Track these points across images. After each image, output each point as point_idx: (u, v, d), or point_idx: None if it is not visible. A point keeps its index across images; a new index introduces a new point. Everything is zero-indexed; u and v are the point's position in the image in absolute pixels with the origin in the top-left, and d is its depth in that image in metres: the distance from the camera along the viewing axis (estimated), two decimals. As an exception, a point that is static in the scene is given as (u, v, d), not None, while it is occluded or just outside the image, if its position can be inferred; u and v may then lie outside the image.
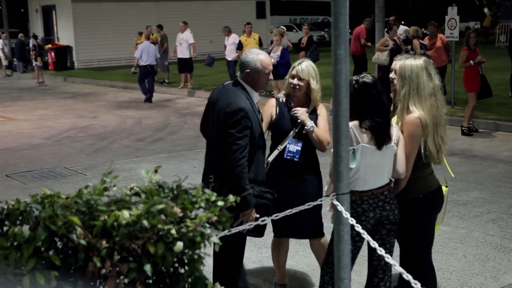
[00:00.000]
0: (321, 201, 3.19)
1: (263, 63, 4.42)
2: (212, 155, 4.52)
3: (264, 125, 4.77)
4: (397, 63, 4.41)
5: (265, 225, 4.31)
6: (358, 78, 4.07)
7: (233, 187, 4.11)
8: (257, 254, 6.10)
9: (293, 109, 4.76)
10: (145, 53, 17.38)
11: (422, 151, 4.11)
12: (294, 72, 4.79)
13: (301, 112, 4.70)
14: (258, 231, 4.43)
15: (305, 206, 3.23)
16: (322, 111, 4.87)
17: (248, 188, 4.24)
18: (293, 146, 4.79)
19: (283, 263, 5.22)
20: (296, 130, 4.78)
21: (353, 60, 15.97)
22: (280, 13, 40.60)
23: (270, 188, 4.50)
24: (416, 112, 4.06)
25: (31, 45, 25.15)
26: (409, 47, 14.03)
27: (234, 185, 4.18)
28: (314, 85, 4.79)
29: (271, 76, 4.54)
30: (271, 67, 4.49)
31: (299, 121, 4.72)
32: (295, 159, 4.77)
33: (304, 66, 4.80)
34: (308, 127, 4.67)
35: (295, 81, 4.77)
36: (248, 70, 4.42)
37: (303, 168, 4.83)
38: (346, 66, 2.98)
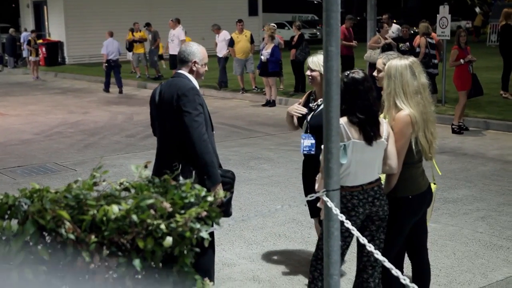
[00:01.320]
0: (311, 197, 3.18)
1: (203, 53, 4.67)
2: (172, 146, 4.55)
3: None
4: (380, 61, 4.52)
5: (230, 204, 4.48)
6: (349, 73, 4.13)
7: (200, 164, 4.32)
8: (247, 250, 6.11)
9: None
10: (111, 47, 18.89)
11: (414, 147, 4.15)
12: (307, 64, 5.04)
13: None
14: (225, 211, 4.44)
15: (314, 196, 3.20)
16: None
17: (215, 162, 4.40)
18: (307, 141, 4.97)
19: None
20: (308, 124, 4.95)
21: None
22: (272, 11, 40.59)
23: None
24: (406, 110, 4.11)
25: (26, 40, 25.09)
26: (406, 44, 14.01)
27: (200, 161, 4.33)
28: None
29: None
30: (206, 59, 4.70)
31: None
32: (312, 152, 4.93)
33: (315, 57, 5.00)
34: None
35: (308, 72, 5.02)
36: (195, 60, 4.60)
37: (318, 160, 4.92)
38: (337, 62, 2.99)
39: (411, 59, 4.28)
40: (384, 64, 4.54)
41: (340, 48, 3.03)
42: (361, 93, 4.05)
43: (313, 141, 4.92)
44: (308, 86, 17.11)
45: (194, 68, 4.61)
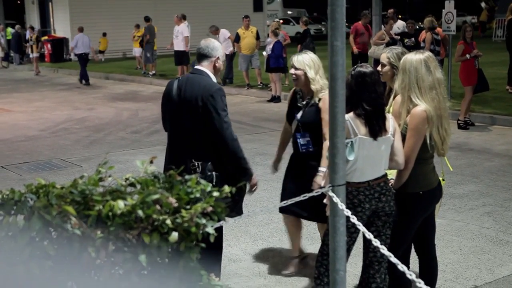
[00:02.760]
0: (317, 192, 3.18)
1: (223, 49, 4.74)
2: (189, 143, 4.50)
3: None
4: (385, 56, 4.55)
5: (241, 202, 4.58)
6: (356, 66, 4.13)
7: (234, 162, 4.45)
8: (252, 245, 6.11)
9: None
10: (80, 43, 20.67)
11: (428, 141, 4.13)
12: (291, 62, 4.99)
13: (317, 186, 4.70)
14: (238, 210, 4.50)
15: (313, 193, 3.21)
16: (326, 104, 4.82)
17: (247, 159, 4.56)
18: (303, 139, 5.00)
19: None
20: (298, 123, 4.93)
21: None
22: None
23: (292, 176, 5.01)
24: (422, 105, 4.08)
25: (27, 37, 25.27)
26: (411, 39, 13.96)
27: (235, 160, 4.44)
28: (312, 74, 4.87)
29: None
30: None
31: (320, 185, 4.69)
32: (310, 149, 4.97)
33: (300, 56, 4.96)
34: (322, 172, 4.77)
35: (292, 70, 4.97)
36: (218, 56, 4.58)
37: (318, 156, 4.92)
38: (342, 57, 2.97)
39: (427, 54, 4.26)
40: (389, 59, 4.55)
41: (344, 43, 3.02)
42: (369, 85, 4.05)
43: (309, 138, 4.94)
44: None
45: (217, 65, 4.57)
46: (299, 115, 4.97)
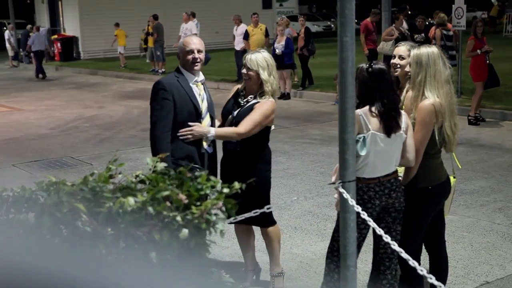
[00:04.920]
0: (330, 184, 3.17)
1: (184, 42, 4.76)
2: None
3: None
4: (404, 48, 4.44)
5: None
6: (371, 63, 4.07)
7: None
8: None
9: (187, 130, 4.69)
10: (37, 40, 22.92)
11: (437, 137, 4.10)
12: (244, 61, 4.84)
13: (195, 131, 4.65)
14: None
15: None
16: (262, 106, 4.76)
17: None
18: None
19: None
20: (234, 120, 4.84)
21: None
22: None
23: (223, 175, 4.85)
24: (430, 99, 4.05)
25: (44, 35, 25.62)
26: (421, 35, 13.89)
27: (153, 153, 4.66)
28: (265, 76, 4.75)
29: (196, 55, 4.68)
30: (192, 46, 4.69)
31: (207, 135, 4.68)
32: (238, 149, 4.87)
33: (254, 56, 4.78)
34: (210, 136, 4.68)
35: (244, 71, 4.81)
36: (177, 52, 4.83)
37: (244, 156, 4.88)
38: (352, 53, 2.97)
39: (437, 47, 4.24)
40: (409, 51, 4.44)
41: (353, 39, 3.01)
42: (388, 82, 4.03)
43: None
44: (318, 78, 17.04)
45: (180, 60, 4.78)
46: (235, 112, 4.84)
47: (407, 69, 4.32)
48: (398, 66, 4.47)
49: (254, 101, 4.80)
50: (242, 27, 17.86)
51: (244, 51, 17.95)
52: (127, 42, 24.76)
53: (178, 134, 4.66)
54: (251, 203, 4.25)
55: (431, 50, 4.15)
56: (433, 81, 4.07)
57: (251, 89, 4.86)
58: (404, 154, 4.09)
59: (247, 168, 4.83)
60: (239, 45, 17.80)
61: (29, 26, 27.99)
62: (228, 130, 4.77)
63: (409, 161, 4.11)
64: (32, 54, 23.40)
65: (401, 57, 4.48)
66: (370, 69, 4.02)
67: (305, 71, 16.32)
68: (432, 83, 4.07)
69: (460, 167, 4.94)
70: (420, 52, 4.13)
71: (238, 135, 4.71)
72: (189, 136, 4.65)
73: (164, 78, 4.81)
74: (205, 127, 4.68)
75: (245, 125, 4.68)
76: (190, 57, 4.67)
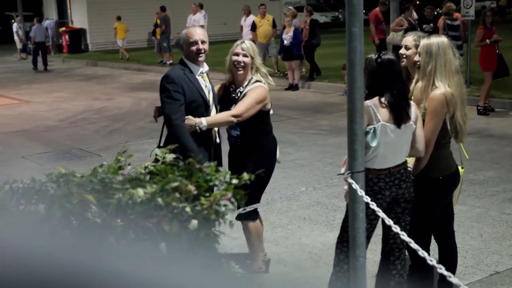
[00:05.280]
0: (339, 175, 3.17)
1: (188, 33, 4.70)
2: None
3: None
4: (411, 38, 4.43)
5: None
6: (380, 54, 4.05)
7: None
8: (271, 233, 6.12)
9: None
10: (37, 32, 23.27)
11: (449, 127, 4.09)
12: (238, 49, 4.78)
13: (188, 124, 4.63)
14: None
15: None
16: (254, 91, 4.74)
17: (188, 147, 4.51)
18: (234, 131, 4.90)
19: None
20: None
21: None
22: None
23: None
24: (441, 88, 4.03)
25: (51, 28, 25.92)
26: (430, 25, 13.82)
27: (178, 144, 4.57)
28: (259, 62, 4.83)
29: (200, 46, 4.65)
30: (196, 37, 4.65)
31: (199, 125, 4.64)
32: (238, 143, 4.89)
33: (247, 43, 4.85)
34: (202, 127, 4.63)
35: (240, 57, 4.75)
36: (181, 44, 4.78)
37: (246, 149, 4.88)
38: (361, 43, 2.96)
39: (446, 37, 4.22)
40: (415, 41, 4.43)
41: (362, 29, 3.00)
42: (397, 72, 4.02)
43: (238, 133, 4.85)
44: (326, 69, 17.00)
45: (184, 52, 4.73)
46: (233, 107, 4.78)
47: (416, 58, 4.29)
48: (404, 56, 4.46)
49: (248, 88, 4.77)
50: (251, 18, 17.78)
51: (252, 42, 17.90)
52: (132, 34, 24.81)
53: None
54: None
55: (441, 39, 4.13)
56: (443, 70, 4.05)
57: (242, 79, 4.81)
58: (414, 144, 4.08)
59: (250, 160, 4.81)
60: (247, 36, 17.74)
61: (36, 19, 28.08)
62: (220, 115, 4.73)
63: (419, 151, 4.10)
64: (32, 46, 23.93)
65: (407, 47, 4.47)
66: (379, 59, 4.00)
67: (311, 63, 16.24)
68: (443, 73, 4.05)
69: (467, 157, 4.92)
70: (430, 42, 4.11)
71: (232, 118, 4.65)
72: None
73: (171, 71, 4.76)
74: (195, 118, 4.61)
75: (238, 108, 4.68)
76: (194, 48, 4.64)
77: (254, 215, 4.93)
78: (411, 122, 4.01)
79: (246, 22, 17.91)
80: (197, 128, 4.61)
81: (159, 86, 4.72)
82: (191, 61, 4.70)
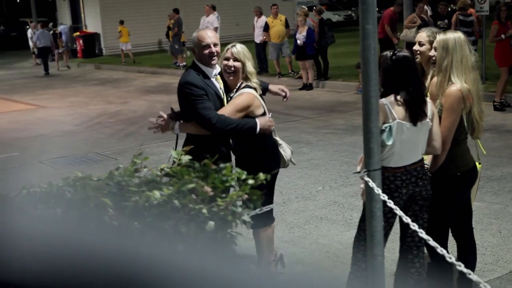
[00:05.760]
0: (355, 173, 3.16)
1: (199, 36, 4.59)
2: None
3: None
4: (424, 34, 4.40)
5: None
6: (395, 51, 4.02)
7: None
8: (289, 233, 6.11)
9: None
10: (41, 38, 23.35)
11: (466, 123, 4.07)
12: (228, 54, 4.64)
13: (158, 129, 4.67)
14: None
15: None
16: (237, 98, 4.64)
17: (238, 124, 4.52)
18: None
19: None
20: None
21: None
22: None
23: None
24: (457, 84, 4.00)
25: (65, 32, 26.32)
26: (444, 21, 13.74)
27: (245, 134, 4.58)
28: (251, 68, 4.67)
29: (213, 50, 4.55)
30: (208, 40, 4.55)
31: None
32: (232, 146, 4.81)
33: (238, 46, 4.69)
34: (175, 131, 4.63)
35: (231, 62, 4.62)
36: (192, 47, 4.67)
37: (242, 155, 4.82)
38: (374, 41, 2.95)
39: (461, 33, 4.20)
40: (429, 37, 4.41)
41: (375, 26, 2.99)
42: (413, 69, 3.99)
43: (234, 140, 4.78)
44: (340, 68, 16.96)
45: (196, 56, 4.62)
46: None
47: (431, 53, 4.25)
48: (418, 52, 4.43)
49: (237, 94, 4.67)
50: (263, 19, 17.76)
51: (264, 43, 17.89)
52: (145, 37, 24.90)
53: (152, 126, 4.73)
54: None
55: (458, 35, 4.10)
56: (459, 66, 4.02)
57: (232, 83, 4.70)
58: (430, 142, 4.05)
59: (248, 165, 4.73)
60: (258, 37, 17.74)
61: (51, 24, 28.27)
62: (193, 127, 4.60)
63: (435, 149, 4.07)
64: (36, 51, 24.18)
65: (421, 44, 4.45)
66: (394, 57, 3.98)
67: (324, 62, 16.15)
68: (459, 68, 4.02)
69: (484, 152, 4.88)
70: (446, 37, 4.08)
71: (205, 131, 4.54)
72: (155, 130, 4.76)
73: (189, 77, 4.56)
74: (171, 123, 4.62)
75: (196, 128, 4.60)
76: (207, 51, 4.53)
77: (266, 221, 4.85)
78: (427, 120, 3.98)
79: (258, 23, 17.88)
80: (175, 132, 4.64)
81: (181, 94, 4.57)
82: (205, 65, 4.60)
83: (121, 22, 24.84)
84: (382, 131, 3.83)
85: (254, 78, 4.70)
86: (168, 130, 4.65)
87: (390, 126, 3.88)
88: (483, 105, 4.21)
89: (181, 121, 4.64)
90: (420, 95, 3.98)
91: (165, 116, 4.67)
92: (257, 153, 4.74)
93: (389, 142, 3.88)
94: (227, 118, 4.46)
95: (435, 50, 4.15)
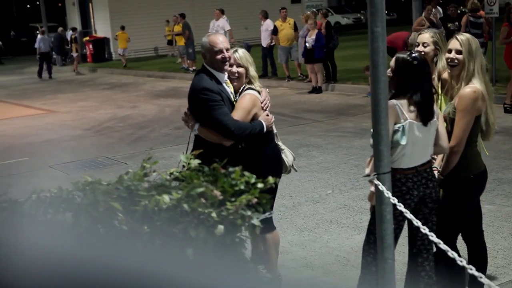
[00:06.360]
0: (364, 177, 3.15)
1: (211, 42, 4.54)
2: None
3: None
4: (428, 36, 4.44)
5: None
6: (414, 54, 4.00)
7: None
8: (299, 237, 6.10)
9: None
10: (42, 43, 24.44)
11: (482, 125, 4.06)
12: (231, 60, 4.64)
13: (185, 121, 4.64)
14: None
15: None
16: (241, 100, 4.64)
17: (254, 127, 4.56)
18: None
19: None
20: None
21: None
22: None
23: None
24: (471, 86, 3.99)
25: (69, 38, 26.37)
26: (455, 23, 13.71)
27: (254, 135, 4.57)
28: (253, 73, 4.71)
29: (226, 55, 4.54)
30: (220, 45, 4.52)
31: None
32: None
33: (241, 52, 4.71)
34: (194, 131, 4.59)
35: (234, 68, 4.63)
36: (203, 52, 4.60)
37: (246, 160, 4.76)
38: (383, 44, 2.94)
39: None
40: (432, 38, 4.44)
41: (384, 29, 2.98)
42: (428, 72, 4.01)
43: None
44: (349, 71, 16.93)
45: (207, 61, 4.57)
46: None
47: (448, 55, 4.23)
48: (423, 53, 4.45)
49: (240, 96, 4.68)
50: (267, 23, 17.79)
51: (271, 47, 17.89)
52: (157, 41, 24.98)
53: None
54: None
55: (473, 38, 4.11)
56: (480, 71, 4.03)
57: (236, 89, 4.70)
58: (437, 141, 4.05)
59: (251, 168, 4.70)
60: (265, 40, 17.76)
61: (60, 29, 28.41)
62: (208, 133, 4.59)
63: (443, 148, 4.07)
64: (38, 56, 24.72)
65: (425, 44, 4.48)
66: (415, 60, 3.96)
67: (332, 65, 16.14)
68: (479, 72, 4.03)
69: (487, 153, 4.85)
70: (468, 40, 4.07)
71: (222, 141, 4.55)
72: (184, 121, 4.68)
73: (205, 83, 4.52)
74: (193, 121, 4.59)
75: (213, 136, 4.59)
76: (219, 56, 4.51)
77: (272, 225, 4.85)
78: (435, 119, 4.00)
79: (263, 26, 17.92)
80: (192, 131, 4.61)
81: (196, 100, 4.54)
82: (216, 70, 4.57)
83: (122, 28, 25.41)
84: (396, 131, 3.84)
85: (256, 82, 4.73)
86: (188, 125, 4.63)
87: (403, 126, 3.88)
88: (494, 108, 4.20)
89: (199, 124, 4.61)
90: (431, 96, 3.98)
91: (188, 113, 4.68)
92: (259, 161, 4.67)
93: (403, 142, 3.87)
94: (242, 123, 4.49)
95: (458, 53, 4.10)
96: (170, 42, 25.57)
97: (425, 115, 3.95)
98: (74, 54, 25.96)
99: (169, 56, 27.15)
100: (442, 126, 4.06)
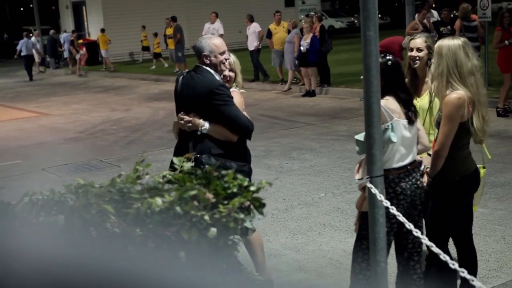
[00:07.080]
0: (357, 182, 3.16)
1: (215, 44, 4.60)
2: (189, 137, 4.66)
3: None
4: (421, 40, 4.55)
5: None
6: (388, 57, 4.09)
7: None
8: (292, 240, 6.10)
9: (181, 120, 4.65)
10: (24, 46, 24.60)
11: (470, 128, 4.09)
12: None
13: (191, 124, 4.58)
14: None
15: None
16: (235, 98, 4.66)
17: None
18: None
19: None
20: None
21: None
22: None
23: None
24: (458, 91, 4.02)
25: (68, 40, 26.52)
26: (447, 27, 13.75)
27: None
28: (240, 77, 4.94)
29: (228, 57, 4.64)
30: (223, 47, 4.60)
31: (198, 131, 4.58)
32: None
33: (233, 58, 4.88)
34: (203, 130, 4.55)
35: (226, 72, 4.74)
36: (205, 54, 4.57)
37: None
38: (376, 47, 2.95)
39: (463, 39, 4.20)
40: (426, 43, 4.52)
41: (377, 33, 2.99)
42: (402, 73, 4.22)
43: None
44: (342, 75, 16.96)
45: (207, 61, 4.57)
46: None
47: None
48: (417, 58, 4.55)
49: None
50: (254, 26, 17.93)
51: (258, 50, 17.88)
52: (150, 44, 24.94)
53: (179, 118, 4.66)
54: None
55: (453, 42, 4.13)
56: (456, 72, 4.05)
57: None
58: (419, 139, 4.21)
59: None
60: (251, 44, 17.82)
61: (52, 32, 28.39)
62: (220, 129, 4.58)
63: (425, 146, 4.25)
64: (16, 57, 25.55)
65: (419, 49, 4.57)
66: (389, 62, 4.06)
67: (322, 69, 16.14)
68: (456, 75, 4.05)
69: (489, 157, 4.87)
70: (441, 44, 4.15)
71: (232, 136, 4.57)
72: (189, 125, 4.59)
73: (217, 80, 4.55)
74: (200, 120, 4.56)
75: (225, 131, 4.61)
76: (223, 58, 4.57)
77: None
78: (418, 119, 4.21)
79: (250, 30, 18.01)
80: (199, 130, 4.57)
81: (211, 96, 4.46)
82: (216, 71, 4.59)
83: (102, 31, 25.81)
84: (385, 130, 3.90)
85: (241, 88, 4.93)
86: (196, 127, 4.57)
87: (391, 124, 3.98)
88: (485, 111, 4.19)
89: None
90: (411, 95, 4.20)
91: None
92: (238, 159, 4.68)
93: (395, 139, 3.97)
94: (249, 119, 4.59)
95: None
96: (145, 48, 26.33)
97: (409, 114, 4.09)
98: (77, 56, 26.14)
99: (138, 62, 27.34)
100: (420, 125, 4.23)
